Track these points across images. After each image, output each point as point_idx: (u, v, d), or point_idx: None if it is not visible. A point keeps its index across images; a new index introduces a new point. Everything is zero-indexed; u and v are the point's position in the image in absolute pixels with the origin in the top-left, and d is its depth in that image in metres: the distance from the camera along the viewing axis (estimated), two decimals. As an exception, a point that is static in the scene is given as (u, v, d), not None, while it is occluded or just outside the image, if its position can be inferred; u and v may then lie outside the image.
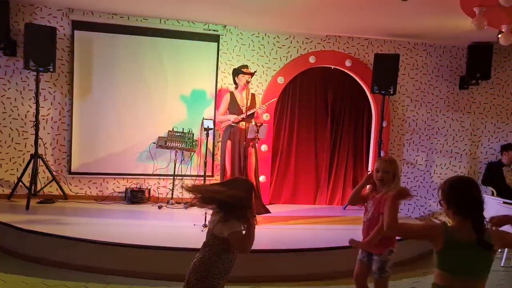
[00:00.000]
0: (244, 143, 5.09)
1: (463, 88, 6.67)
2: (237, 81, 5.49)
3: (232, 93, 5.50)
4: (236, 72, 5.50)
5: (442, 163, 6.78)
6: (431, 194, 6.76)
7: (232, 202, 2.44)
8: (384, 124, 6.32)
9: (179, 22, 6.01)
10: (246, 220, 2.46)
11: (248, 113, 5.24)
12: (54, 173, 5.67)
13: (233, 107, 5.40)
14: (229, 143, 5.35)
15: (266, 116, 6.22)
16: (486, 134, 6.84)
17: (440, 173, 6.76)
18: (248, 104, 5.21)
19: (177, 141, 5.84)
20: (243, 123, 5.25)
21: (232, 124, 5.36)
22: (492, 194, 6.14)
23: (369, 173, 3.13)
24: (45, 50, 5.24)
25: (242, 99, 5.36)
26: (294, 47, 6.35)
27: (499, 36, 4.76)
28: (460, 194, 2.19)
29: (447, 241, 2.12)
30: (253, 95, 5.41)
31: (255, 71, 5.65)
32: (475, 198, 2.18)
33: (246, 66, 5.55)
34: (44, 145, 5.66)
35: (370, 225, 3.06)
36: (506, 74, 6.78)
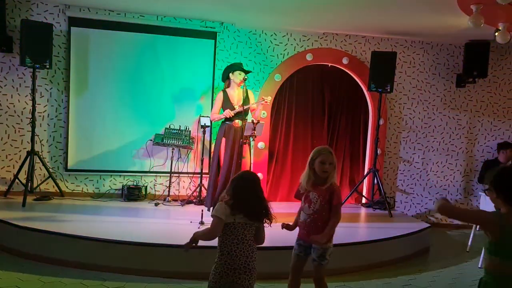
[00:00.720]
0: (241, 140, 5.07)
1: (460, 86, 6.68)
2: (231, 78, 5.37)
3: (224, 91, 5.38)
4: (233, 68, 5.37)
5: (439, 161, 6.80)
6: (428, 192, 6.78)
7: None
8: (381, 122, 6.34)
9: (176, 19, 6.00)
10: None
11: (239, 110, 5.21)
12: (50, 170, 5.66)
13: (227, 105, 5.32)
14: (223, 140, 5.31)
15: (263, 114, 6.21)
16: (482, 132, 6.86)
17: (437, 171, 6.79)
18: (243, 101, 5.20)
19: (173, 138, 5.83)
20: (239, 120, 5.23)
21: (226, 122, 5.31)
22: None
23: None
24: (42, 46, 5.22)
25: (237, 96, 5.32)
26: (291, 44, 6.34)
27: (496, 34, 4.78)
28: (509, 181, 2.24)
29: (504, 231, 2.17)
30: (248, 91, 5.34)
31: (250, 71, 5.57)
32: None
33: (241, 64, 5.49)
34: (40, 142, 5.65)
35: (318, 216, 3.07)
36: (503, 72, 6.79)
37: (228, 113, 5.21)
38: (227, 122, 5.30)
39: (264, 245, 2.81)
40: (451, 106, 6.78)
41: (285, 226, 3.20)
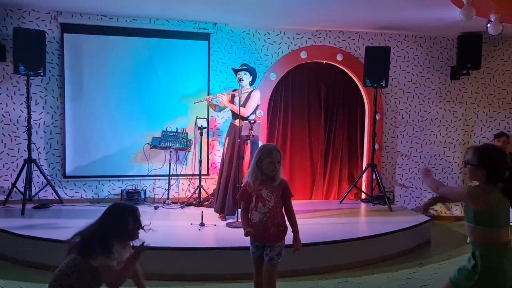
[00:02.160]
0: (239, 140, 5.07)
1: (455, 79, 6.70)
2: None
3: (233, 96, 5.37)
4: (235, 71, 5.43)
5: (436, 154, 6.81)
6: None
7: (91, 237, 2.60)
8: (378, 117, 6.35)
9: (168, 22, 5.99)
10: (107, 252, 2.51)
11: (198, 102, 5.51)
12: (48, 177, 5.65)
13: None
14: (227, 139, 5.35)
15: (259, 113, 6.22)
16: (478, 123, 6.88)
17: (435, 164, 6.80)
18: (242, 101, 5.18)
19: (171, 141, 5.83)
20: (238, 120, 5.24)
21: (232, 122, 5.35)
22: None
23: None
24: (35, 54, 5.21)
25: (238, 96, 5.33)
26: (285, 43, 6.35)
27: (488, 25, 4.79)
28: (496, 160, 2.42)
29: (490, 201, 2.35)
30: (251, 92, 5.28)
31: (240, 68, 5.54)
32: (508, 165, 2.42)
33: (244, 65, 5.45)
34: (37, 149, 5.63)
35: (275, 213, 3.09)
36: (497, 63, 6.82)
37: (220, 96, 5.42)
38: (232, 122, 5.36)
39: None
40: (447, 99, 6.80)
41: (248, 232, 3.05)
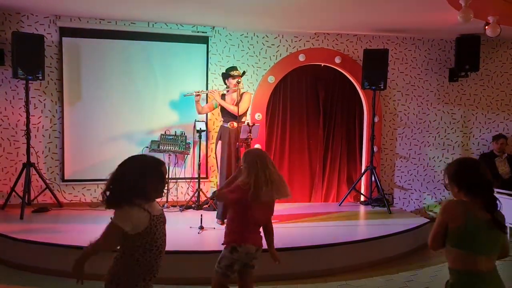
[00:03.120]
0: (237, 144, 5.07)
1: (453, 81, 6.71)
2: (227, 83, 5.44)
3: (223, 95, 5.43)
4: (225, 76, 5.44)
5: (435, 156, 6.82)
6: (425, 187, 6.80)
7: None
8: (376, 119, 6.35)
9: (167, 25, 6.00)
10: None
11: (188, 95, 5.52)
12: (47, 181, 5.64)
13: (223, 108, 5.36)
14: (219, 143, 5.33)
15: (258, 116, 6.23)
16: (477, 125, 6.89)
17: (434, 166, 6.81)
18: (235, 102, 5.19)
19: (170, 144, 5.83)
20: (234, 123, 5.24)
21: (224, 125, 5.33)
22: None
23: None
24: (34, 58, 5.21)
25: (231, 99, 5.34)
26: (284, 46, 6.35)
27: (486, 27, 4.80)
28: (473, 175, 2.19)
29: (467, 218, 2.10)
30: (243, 93, 5.32)
31: (244, 72, 5.59)
32: (487, 179, 2.20)
33: (234, 68, 5.49)
34: (36, 153, 5.62)
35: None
36: (495, 65, 6.83)
37: (212, 91, 5.49)
38: (224, 125, 5.32)
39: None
40: (445, 101, 6.81)
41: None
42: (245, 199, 2.91)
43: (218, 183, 5.37)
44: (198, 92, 5.52)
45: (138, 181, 2.26)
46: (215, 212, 5.26)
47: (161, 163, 2.36)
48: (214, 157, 5.65)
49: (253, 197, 2.91)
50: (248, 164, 2.99)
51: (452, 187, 2.23)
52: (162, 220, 2.37)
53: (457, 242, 2.12)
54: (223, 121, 5.37)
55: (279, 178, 3.03)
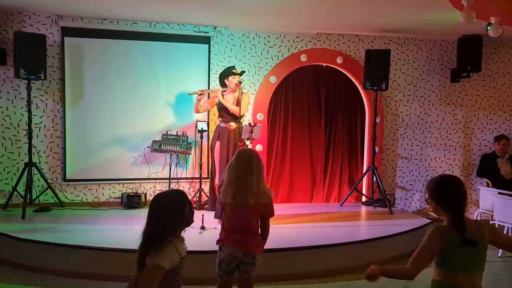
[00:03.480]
0: (239, 144, 5.07)
1: (455, 81, 6.70)
2: (226, 83, 5.43)
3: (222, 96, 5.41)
4: (226, 74, 5.44)
5: (437, 157, 6.81)
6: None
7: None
8: (378, 120, 6.34)
9: (169, 25, 6.00)
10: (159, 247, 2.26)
11: (193, 93, 5.48)
12: (49, 181, 5.64)
13: (222, 108, 5.36)
14: (218, 144, 5.33)
15: (259, 116, 6.23)
16: (479, 126, 6.88)
17: (435, 167, 6.80)
18: (235, 102, 5.19)
19: (171, 144, 5.83)
20: (233, 123, 5.24)
21: (221, 125, 5.33)
22: (488, 185, 6.18)
23: None
24: (36, 58, 5.22)
25: (231, 99, 5.33)
26: (285, 46, 6.35)
27: (488, 28, 4.79)
28: (450, 193, 2.25)
29: (444, 241, 2.19)
30: (242, 94, 5.32)
31: (243, 71, 5.59)
32: (456, 193, 2.24)
33: (233, 68, 5.49)
34: (38, 153, 5.63)
35: None
36: (497, 65, 6.82)
37: (215, 90, 5.45)
38: (221, 125, 5.31)
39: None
40: (447, 102, 6.80)
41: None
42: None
43: (216, 182, 5.35)
44: (203, 91, 5.52)
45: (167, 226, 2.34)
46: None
47: (183, 202, 2.40)
48: (211, 156, 5.63)
49: (223, 197, 2.96)
50: (230, 164, 3.02)
51: (431, 202, 2.30)
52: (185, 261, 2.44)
53: (438, 262, 2.24)
54: (221, 121, 5.35)
55: (258, 185, 2.96)
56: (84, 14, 5.64)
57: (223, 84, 5.50)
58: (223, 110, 5.31)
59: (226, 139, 5.19)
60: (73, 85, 5.75)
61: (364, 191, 6.56)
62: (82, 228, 4.82)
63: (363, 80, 6.12)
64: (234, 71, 5.36)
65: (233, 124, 5.21)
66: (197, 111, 5.66)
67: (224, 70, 5.57)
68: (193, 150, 6.04)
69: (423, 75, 6.72)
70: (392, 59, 6.34)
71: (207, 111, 5.94)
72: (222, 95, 5.35)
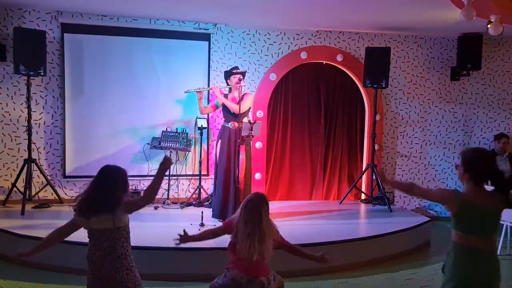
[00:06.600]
0: (239, 141, 5.07)
1: (455, 79, 6.70)
2: (229, 83, 5.44)
3: (225, 95, 5.41)
4: (228, 74, 5.44)
5: (436, 155, 6.81)
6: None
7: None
8: (377, 118, 6.35)
9: (169, 22, 6.00)
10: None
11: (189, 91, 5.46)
12: (48, 177, 5.65)
13: (223, 107, 5.36)
14: (219, 142, 5.34)
15: (259, 113, 6.23)
16: (478, 124, 6.88)
17: (435, 165, 6.81)
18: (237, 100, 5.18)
19: (171, 141, 5.83)
20: (235, 123, 5.24)
21: (225, 125, 5.33)
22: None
23: None
24: (35, 54, 5.21)
25: (233, 98, 5.33)
26: (285, 43, 6.35)
27: (488, 26, 4.79)
28: (485, 166, 2.47)
29: (461, 206, 2.42)
30: (244, 94, 5.31)
31: (245, 71, 5.60)
32: (489, 168, 2.49)
33: (236, 68, 5.49)
34: (37, 149, 5.63)
35: None
36: (497, 64, 6.82)
37: (215, 87, 5.45)
38: (224, 125, 5.33)
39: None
40: (447, 100, 6.80)
41: None
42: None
43: (211, 177, 5.38)
44: (200, 88, 5.51)
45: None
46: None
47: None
48: (216, 154, 5.63)
49: (237, 253, 2.87)
50: (243, 214, 2.90)
51: (461, 168, 2.51)
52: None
53: (456, 226, 2.49)
54: (224, 121, 5.36)
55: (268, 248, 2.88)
56: (84, 10, 5.64)
57: (227, 83, 5.50)
58: (224, 109, 5.32)
59: (227, 138, 5.21)
60: (72, 82, 5.75)
61: (363, 189, 6.56)
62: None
63: (363, 78, 6.12)
64: (235, 71, 5.37)
65: (236, 124, 5.21)
66: (202, 112, 5.62)
67: (227, 71, 5.57)
68: (192, 147, 6.03)
69: (423, 73, 6.72)
70: (392, 57, 6.33)
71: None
72: (226, 95, 5.33)
